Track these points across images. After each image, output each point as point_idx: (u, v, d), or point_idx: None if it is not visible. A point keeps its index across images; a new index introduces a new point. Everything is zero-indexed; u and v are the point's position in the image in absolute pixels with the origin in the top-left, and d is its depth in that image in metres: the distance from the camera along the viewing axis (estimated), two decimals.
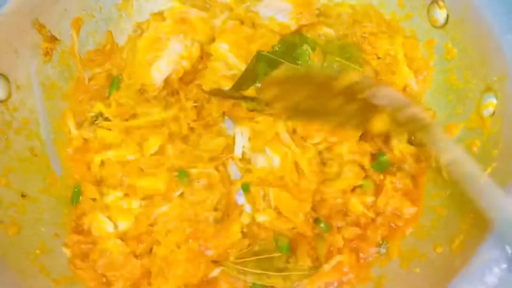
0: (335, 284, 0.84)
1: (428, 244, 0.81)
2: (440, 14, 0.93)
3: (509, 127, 0.75)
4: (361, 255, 0.88)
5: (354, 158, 0.91)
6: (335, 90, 0.80)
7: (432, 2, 0.94)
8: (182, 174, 0.90)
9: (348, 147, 0.90)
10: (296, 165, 0.89)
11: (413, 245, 0.85)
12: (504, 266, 0.61)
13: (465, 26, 0.88)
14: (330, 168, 0.91)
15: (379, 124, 0.82)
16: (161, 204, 0.89)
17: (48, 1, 0.94)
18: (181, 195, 0.90)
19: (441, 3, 0.92)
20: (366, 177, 0.91)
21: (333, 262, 0.85)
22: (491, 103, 0.81)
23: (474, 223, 0.74)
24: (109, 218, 0.89)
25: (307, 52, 0.94)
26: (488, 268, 0.62)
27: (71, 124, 1.00)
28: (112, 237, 0.87)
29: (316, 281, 0.83)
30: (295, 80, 0.85)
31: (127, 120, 0.97)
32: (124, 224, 0.89)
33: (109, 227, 0.89)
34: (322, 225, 0.88)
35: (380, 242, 0.88)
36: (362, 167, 0.91)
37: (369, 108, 0.81)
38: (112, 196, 0.91)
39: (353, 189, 0.90)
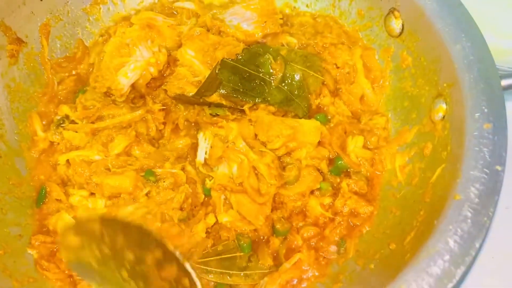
0: (295, 282, 0.87)
1: (383, 241, 0.85)
2: (396, 24, 0.98)
3: (457, 130, 0.80)
4: (320, 254, 0.90)
5: (313, 163, 0.94)
6: None
7: (389, 13, 0.99)
8: (149, 174, 0.91)
9: (307, 152, 0.94)
10: (255, 170, 0.91)
11: (369, 243, 0.89)
12: (446, 258, 0.65)
13: (419, 35, 0.93)
14: (290, 172, 0.93)
15: None
16: (127, 203, 0.90)
17: (14, 3, 0.95)
18: (148, 194, 0.91)
19: (396, 14, 0.97)
20: (324, 180, 0.94)
21: (293, 260, 0.87)
22: (441, 108, 0.86)
23: (423, 220, 0.78)
24: (75, 218, 0.89)
25: (269, 61, 0.97)
26: (432, 260, 0.66)
27: (37, 126, 1.01)
28: None
29: (276, 278, 0.86)
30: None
31: (93, 122, 0.97)
32: None
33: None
34: (279, 230, 0.91)
35: (339, 241, 0.91)
36: (320, 171, 0.95)
37: None
38: (78, 196, 0.92)
39: (312, 192, 0.94)
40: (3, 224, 0.89)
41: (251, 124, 0.95)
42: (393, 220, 0.88)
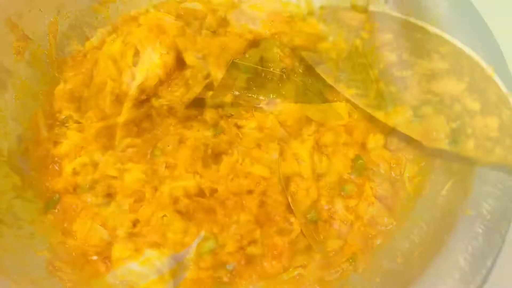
0: None
1: (390, 254, 0.82)
2: None
3: None
4: (331, 271, 0.86)
5: (339, 149, 0.92)
6: None
7: None
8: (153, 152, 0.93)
9: (334, 137, 0.92)
10: (295, 156, 0.90)
11: (377, 256, 0.86)
12: (456, 276, 0.63)
13: None
14: (321, 164, 0.91)
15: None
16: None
17: (22, 0, 0.94)
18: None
19: None
20: (347, 181, 0.92)
21: (291, 274, 0.84)
22: None
23: (432, 235, 0.75)
24: (103, 225, 0.89)
25: (278, 55, 0.97)
26: (441, 278, 0.63)
27: (42, 125, 1.00)
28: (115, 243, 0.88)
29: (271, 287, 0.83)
30: None
31: (97, 122, 0.96)
32: (122, 230, 0.88)
33: (104, 235, 0.88)
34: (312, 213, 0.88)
35: (351, 257, 0.86)
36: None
37: None
38: (99, 203, 0.91)
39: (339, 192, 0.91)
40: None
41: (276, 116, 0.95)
42: (400, 233, 0.86)
